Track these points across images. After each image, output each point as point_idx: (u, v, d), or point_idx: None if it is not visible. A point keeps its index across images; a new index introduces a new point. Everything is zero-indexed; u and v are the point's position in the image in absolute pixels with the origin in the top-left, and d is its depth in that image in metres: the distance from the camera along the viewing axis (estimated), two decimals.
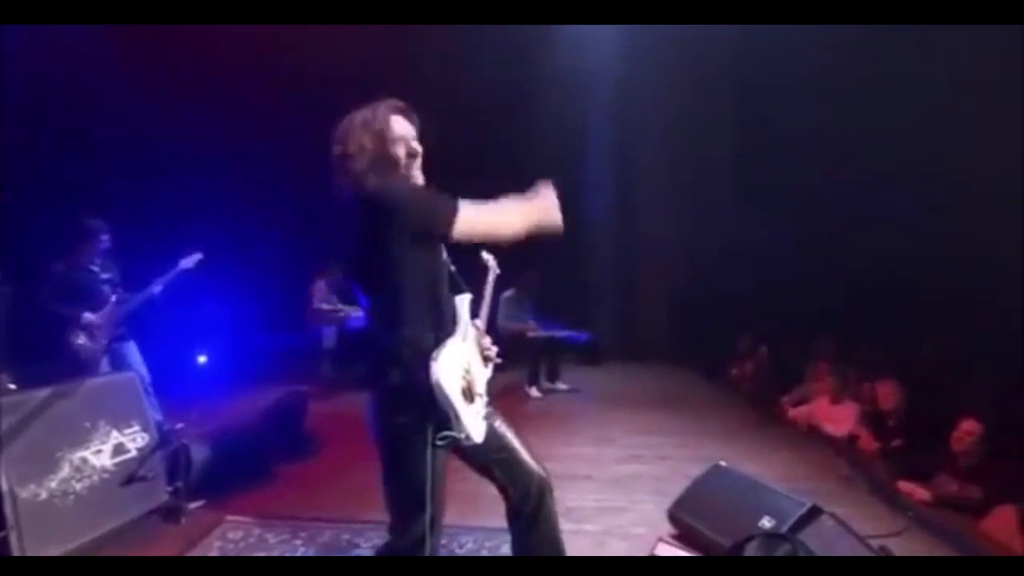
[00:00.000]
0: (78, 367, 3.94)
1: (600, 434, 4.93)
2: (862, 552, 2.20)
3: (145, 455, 3.23)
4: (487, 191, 1.91)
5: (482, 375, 1.98)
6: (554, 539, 2.13)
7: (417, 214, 1.75)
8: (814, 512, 2.62)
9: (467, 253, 2.09)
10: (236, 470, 3.64)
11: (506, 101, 7.02)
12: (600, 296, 8.10)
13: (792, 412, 5.27)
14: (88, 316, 4.08)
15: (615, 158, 7.94)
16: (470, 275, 2.13)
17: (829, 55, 5.38)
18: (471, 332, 1.99)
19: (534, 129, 7.17)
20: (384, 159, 1.84)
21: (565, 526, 2.19)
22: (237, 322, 6.41)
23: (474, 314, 2.07)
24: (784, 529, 2.52)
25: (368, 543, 2.97)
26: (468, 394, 1.82)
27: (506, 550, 2.80)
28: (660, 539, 2.85)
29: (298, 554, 2.88)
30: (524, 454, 2.05)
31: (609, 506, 3.52)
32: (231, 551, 2.92)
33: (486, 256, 2.41)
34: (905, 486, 3.62)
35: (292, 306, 6.37)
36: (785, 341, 6.51)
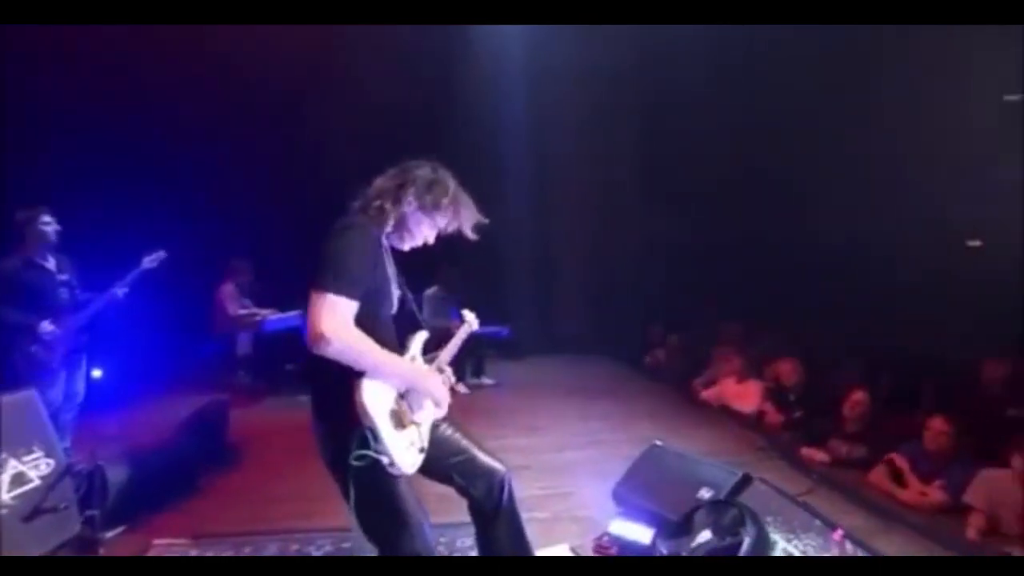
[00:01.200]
0: (32, 383, 3.35)
1: (531, 424, 5.08)
2: (793, 509, 2.48)
3: (51, 483, 2.88)
4: None
5: (424, 409, 1.92)
6: (518, 529, 2.20)
7: (322, 271, 1.71)
8: (746, 479, 2.90)
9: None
10: (158, 490, 3.36)
11: (422, 101, 7.00)
12: (519, 292, 8.27)
13: (704, 393, 5.72)
14: (46, 326, 3.51)
15: (530, 157, 8.12)
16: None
17: (731, 55, 5.86)
18: (422, 368, 1.99)
19: (450, 128, 7.21)
20: (406, 220, 1.92)
21: None
22: (132, 330, 5.83)
23: (429, 350, 2.07)
24: (722, 497, 2.77)
25: (320, 551, 2.89)
26: (398, 419, 1.78)
27: (460, 546, 2.88)
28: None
29: None
30: (480, 452, 2.10)
31: (553, 492, 3.65)
32: None
33: (467, 313, 2.40)
34: (807, 451, 4.11)
35: (196, 310, 5.90)
36: (693, 328, 7.04)
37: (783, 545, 2.32)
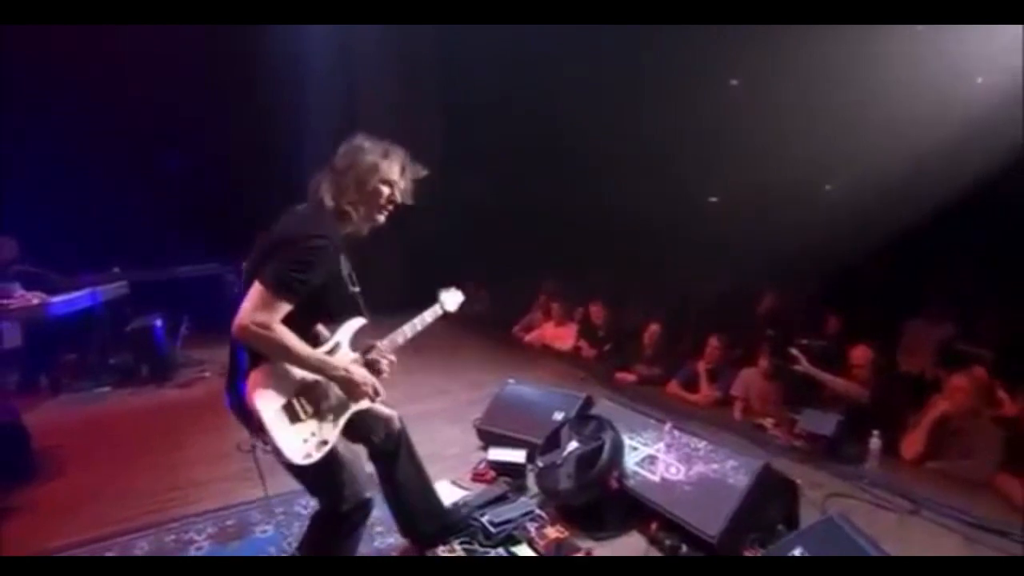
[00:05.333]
0: None
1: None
2: (640, 420, 3.12)
3: None
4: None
5: (332, 399, 1.98)
6: (419, 465, 2.52)
7: (277, 262, 1.81)
8: (590, 400, 3.54)
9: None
10: None
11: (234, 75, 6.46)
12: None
13: (527, 338, 6.43)
14: None
15: (338, 128, 7.95)
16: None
17: (514, 48, 6.43)
18: (347, 355, 2.05)
19: (265, 116, 6.83)
20: (372, 194, 2.02)
21: None
22: None
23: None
24: (572, 416, 3.34)
25: (202, 535, 2.75)
26: (292, 413, 1.88)
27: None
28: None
29: None
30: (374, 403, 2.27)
31: (418, 440, 3.86)
32: None
33: (446, 295, 2.54)
34: (620, 375, 5.01)
35: None
36: (504, 281, 7.70)
37: (629, 442, 2.96)
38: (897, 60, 4.89)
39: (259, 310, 1.76)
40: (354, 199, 2.00)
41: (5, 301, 4.60)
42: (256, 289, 1.78)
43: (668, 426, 2.97)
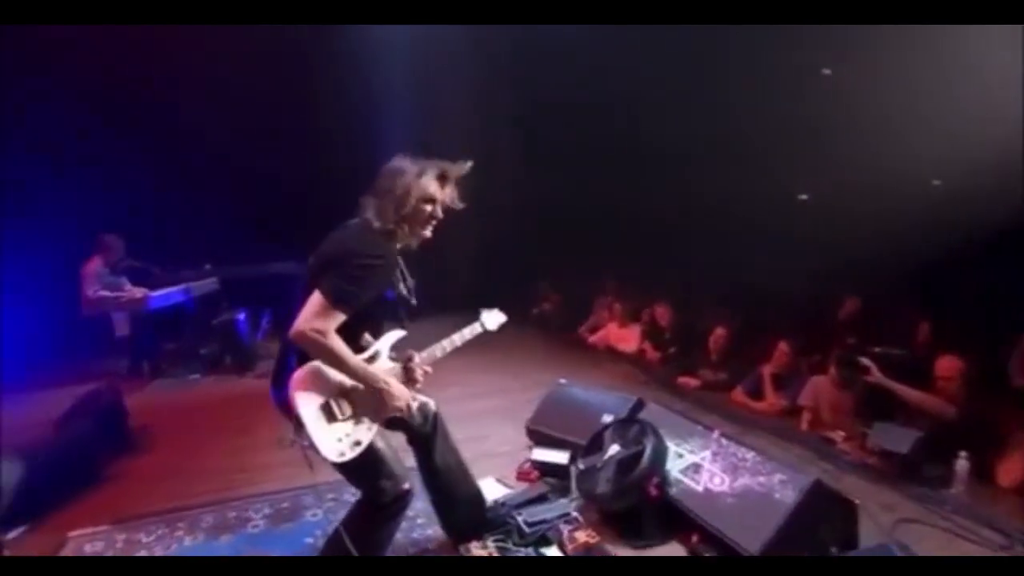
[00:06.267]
0: None
1: (440, 380, 5.31)
2: (688, 426, 3.00)
3: None
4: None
5: (368, 405, 2.05)
6: (454, 448, 2.60)
7: (336, 276, 1.92)
8: (640, 403, 3.44)
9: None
10: (61, 482, 3.18)
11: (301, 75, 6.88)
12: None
13: (591, 339, 6.34)
14: None
15: (416, 129, 8.20)
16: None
17: (593, 47, 6.34)
18: (385, 364, 2.17)
19: (333, 100, 7.17)
20: (412, 213, 2.09)
21: None
22: None
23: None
24: (621, 419, 3.26)
25: (259, 514, 2.96)
26: (330, 413, 1.99)
27: None
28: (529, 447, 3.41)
29: (186, 544, 2.74)
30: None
31: (472, 436, 3.94)
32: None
33: (487, 315, 2.65)
34: (683, 380, 4.82)
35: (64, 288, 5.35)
36: (574, 282, 7.63)
37: (674, 449, 2.85)
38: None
39: (318, 317, 1.89)
40: (397, 219, 2.08)
41: (117, 294, 5.18)
42: (316, 298, 1.91)
43: (716, 434, 2.82)
